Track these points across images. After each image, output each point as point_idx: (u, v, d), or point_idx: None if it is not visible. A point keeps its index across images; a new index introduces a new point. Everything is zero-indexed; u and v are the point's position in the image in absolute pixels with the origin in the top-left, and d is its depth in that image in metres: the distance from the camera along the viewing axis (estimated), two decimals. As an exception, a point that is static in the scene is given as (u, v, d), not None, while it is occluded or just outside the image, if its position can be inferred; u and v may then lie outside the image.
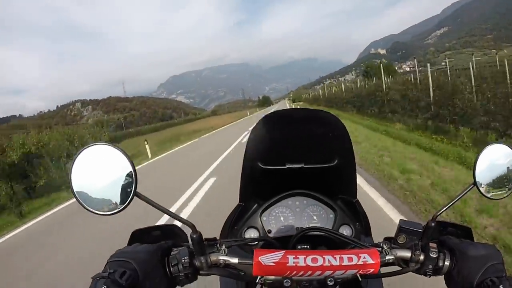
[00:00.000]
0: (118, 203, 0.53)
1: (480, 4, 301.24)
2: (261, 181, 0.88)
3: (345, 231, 0.89)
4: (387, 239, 0.65)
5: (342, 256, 0.55)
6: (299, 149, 0.83)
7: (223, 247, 0.62)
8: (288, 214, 0.91)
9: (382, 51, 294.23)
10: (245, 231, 0.89)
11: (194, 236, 0.58)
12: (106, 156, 0.53)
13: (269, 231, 0.89)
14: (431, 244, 0.61)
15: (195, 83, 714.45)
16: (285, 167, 0.84)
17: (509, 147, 0.64)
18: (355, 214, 0.90)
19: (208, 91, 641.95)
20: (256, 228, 0.90)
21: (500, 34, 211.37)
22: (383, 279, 0.71)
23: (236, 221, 0.89)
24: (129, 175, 0.53)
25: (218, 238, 0.68)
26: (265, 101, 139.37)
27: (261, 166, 0.85)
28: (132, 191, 0.52)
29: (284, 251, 0.56)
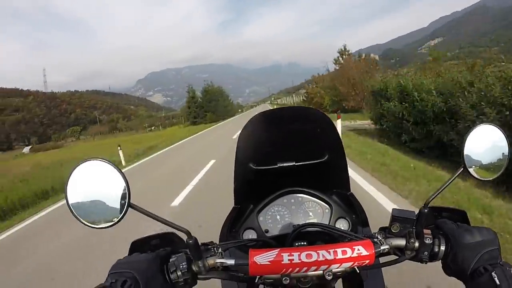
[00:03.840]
0: (114, 215, 0.55)
1: (474, 17, 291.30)
2: (255, 182, 0.88)
3: (342, 224, 0.90)
4: (382, 229, 0.65)
5: (336, 249, 0.56)
6: (289, 147, 0.84)
7: (219, 250, 0.63)
8: (284, 212, 0.91)
9: (375, 57, 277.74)
10: (243, 232, 0.89)
11: (190, 241, 0.59)
12: (99, 171, 0.54)
13: (267, 231, 0.89)
14: (425, 231, 0.61)
15: (174, 81, 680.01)
16: (277, 166, 0.85)
17: (497, 127, 0.64)
18: (351, 207, 0.90)
19: (186, 90, 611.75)
20: (253, 229, 0.90)
21: (507, 47, 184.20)
22: (383, 268, 0.71)
23: (234, 223, 0.89)
24: (122, 188, 0.54)
25: (216, 242, 0.69)
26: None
27: (253, 167, 0.86)
28: (126, 203, 0.54)
29: (278, 249, 0.56)
